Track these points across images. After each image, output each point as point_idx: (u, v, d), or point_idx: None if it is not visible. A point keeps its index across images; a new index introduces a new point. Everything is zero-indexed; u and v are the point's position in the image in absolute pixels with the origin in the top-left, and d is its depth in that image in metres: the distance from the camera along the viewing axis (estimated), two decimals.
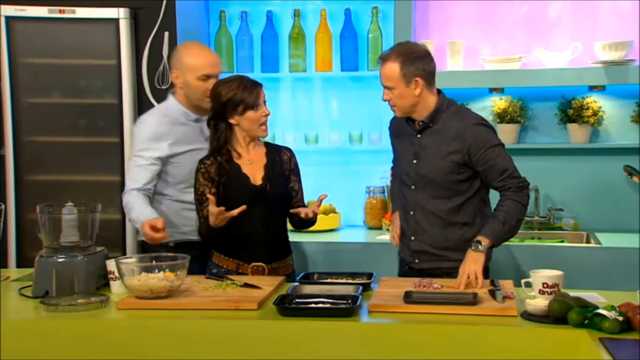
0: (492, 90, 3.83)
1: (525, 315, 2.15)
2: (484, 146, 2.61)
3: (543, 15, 3.81)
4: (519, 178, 2.65)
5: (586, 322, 2.02)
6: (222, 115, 2.70)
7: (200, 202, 2.69)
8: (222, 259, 2.74)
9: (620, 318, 1.97)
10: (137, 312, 2.30)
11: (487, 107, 3.90)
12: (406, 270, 2.78)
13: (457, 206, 2.67)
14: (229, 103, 2.67)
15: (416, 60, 2.62)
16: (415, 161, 2.71)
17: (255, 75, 3.98)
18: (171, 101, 2.91)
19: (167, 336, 2.20)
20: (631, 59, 3.58)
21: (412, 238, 2.74)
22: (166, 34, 3.64)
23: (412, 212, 2.73)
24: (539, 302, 2.15)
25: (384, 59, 2.65)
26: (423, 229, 2.71)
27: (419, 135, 2.70)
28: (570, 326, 2.03)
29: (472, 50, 3.84)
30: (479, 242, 2.55)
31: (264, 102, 2.73)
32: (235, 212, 2.58)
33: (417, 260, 2.73)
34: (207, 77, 2.80)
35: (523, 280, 2.34)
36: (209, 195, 2.63)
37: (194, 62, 2.81)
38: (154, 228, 2.58)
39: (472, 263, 2.51)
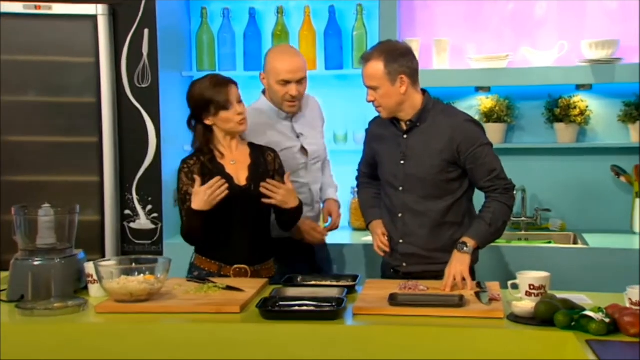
0: (478, 89, 3.85)
1: (512, 317, 2.16)
2: (474, 144, 2.63)
3: (530, 13, 3.84)
4: (506, 180, 2.67)
5: (573, 324, 2.04)
6: (197, 116, 2.71)
7: (183, 202, 2.68)
8: (203, 261, 2.73)
9: (607, 320, 1.99)
10: (116, 316, 2.29)
11: (474, 106, 3.92)
12: (391, 274, 2.77)
13: (447, 206, 2.68)
14: (199, 105, 2.67)
15: (400, 58, 2.63)
16: (402, 162, 2.70)
17: (238, 73, 3.99)
18: (262, 100, 2.99)
19: (147, 341, 2.19)
20: (618, 58, 3.62)
21: (401, 241, 2.74)
22: (146, 31, 3.63)
23: (400, 215, 2.73)
24: (525, 304, 2.17)
25: (366, 58, 2.66)
26: (412, 231, 2.71)
27: (405, 136, 2.71)
28: (557, 328, 2.05)
29: (458, 49, 3.86)
30: (465, 244, 2.57)
31: (238, 100, 2.71)
32: (222, 189, 2.57)
33: (404, 264, 2.73)
34: (286, 82, 2.86)
35: (509, 282, 2.36)
36: (195, 176, 2.62)
37: (275, 66, 2.88)
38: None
39: (458, 264, 2.52)
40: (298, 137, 2.97)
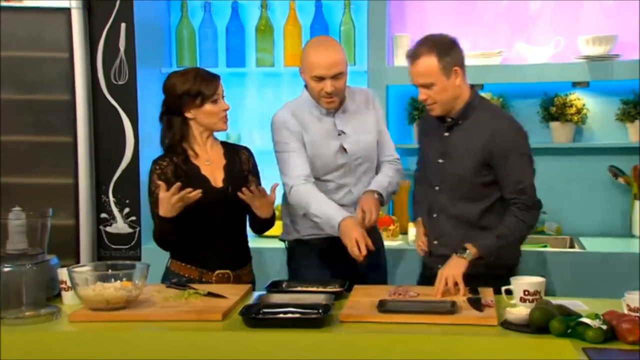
0: (471, 87, 3.86)
1: (506, 324, 2.17)
2: (507, 151, 2.62)
3: (524, 7, 3.87)
4: (531, 196, 2.64)
5: (569, 331, 2.05)
6: (177, 109, 2.68)
7: (156, 205, 2.65)
8: (182, 267, 2.72)
9: (604, 327, 2.00)
10: (91, 325, 2.27)
11: None
12: (431, 274, 2.69)
13: (481, 210, 2.68)
14: (185, 95, 2.65)
15: (451, 49, 2.63)
16: (441, 160, 2.72)
17: (220, 70, 3.98)
18: (304, 95, 2.90)
19: (124, 351, 2.17)
20: (616, 54, 3.64)
21: (435, 242, 2.77)
22: (123, 25, 3.62)
23: (435, 215, 2.75)
24: (520, 311, 2.17)
25: (415, 56, 2.63)
26: (446, 232, 2.73)
27: (447, 134, 2.72)
28: (553, 336, 2.06)
29: None
30: (466, 250, 2.57)
31: (222, 96, 2.72)
32: (193, 194, 2.54)
33: (439, 265, 2.68)
34: (320, 78, 2.76)
35: (503, 288, 2.37)
36: (159, 182, 2.59)
37: (309, 60, 2.78)
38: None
39: (453, 268, 2.52)
40: (339, 134, 2.86)
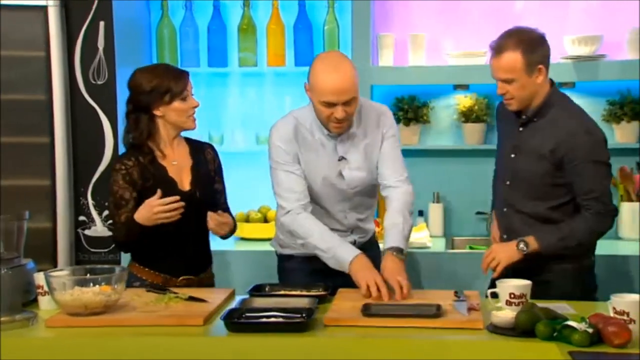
0: (456, 87, 3.89)
1: (491, 327, 2.18)
2: (581, 158, 2.60)
3: (509, 7, 3.89)
4: (605, 204, 2.64)
5: (555, 334, 2.06)
6: (145, 106, 2.65)
7: (118, 207, 2.64)
8: (145, 272, 2.70)
9: (591, 330, 2.02)
10: (69, 331, 2.26)
11: (452, 105, 3.95)
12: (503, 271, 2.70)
13: (549, 208, 2.69)
14: (153, 92, 2.62)
15: (538, 47, 2.63)
16: (513, 155, 2.73)
17: (202, 70, 3.98)
18: (309, 108, 2.73)
19: (103, 357, 2.16)
20: (602, 55, 3.68)
21: (505, 236, 2.79)
22: (101, 23, 3.60)
23: (504, 209, 2.78)
24: (505, 314, 2.19)
25: (499, 49, 2.62)
26: (514, 228, 2.75)
27: (521, 129, 2.72)
28: (539, 339, 2.07)
29: (435, 44, 3.89)
30: (527, 244, 2.62)
31: (192, 93, 2.70)
32: (172, 214, 2.55)
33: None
34: (330, 104, 2.59)
35: (489, 291, 2.38)
36: (158, 190, 2.58)
37: (319, 83, 2.59)
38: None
39: (504, 253, 2.63)
40: (340, 160, 2.73)
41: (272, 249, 2.96)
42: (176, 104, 2.65)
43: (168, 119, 2.67)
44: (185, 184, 2.70)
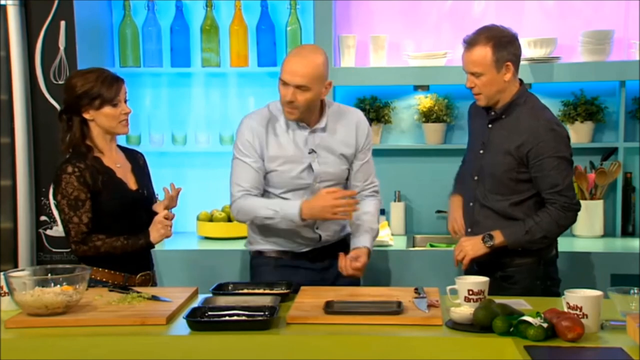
0: (417, 88, 3.92)
1: (450, 324, 2.21)
2: (544, 154, 2.67)
3: (467, 9, 3.94)
4: (569, 198, 2.70)
5: (511, 329, 2.10)
6: (75, 109, 2.67)
7: (75, 208, 2.63)
8: (103, 273, 2.69)
9: (545, 325, 2.05)
10: (29, 331, 2.23)
11: (412, 105, 3.98)
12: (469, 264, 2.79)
13: (512, 204, 2.76)
14: (84, 96, 2.64)
15: (508, 45, 2.69)
16: (481, 152, 2.80)
17: (165, 70, 3.95)
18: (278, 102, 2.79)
19: (64, 358, 2.14)
20: (557, 57, 3.74)
21: (469, 230, 2.85)
22: (62, 23, 3.55)
23: (471, 204, 2.84)
24: (464, 310, 2.21)
25: (471, 43, 2.70)
26: (479, 222, 2.81)
27: (489, 125, 2.79)
28: (496, 334, 2.10)
29: (396, 46, 3.92)
30: (492, 237, 2.69)
31: (125, 99, 2.73)
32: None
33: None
34: (283, 83, 2.67)
35: (448, 287, 2.41)
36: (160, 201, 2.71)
37: (283, 62, 2.71)
38: None
39: (470, 245, 2.70)
40: (310, 152, 2.77)
41: (236, 247, 2.97)
42: (106, 109, 2.67)
43: (98, 123, 2.69)
44: (132, 184, 2.76)
